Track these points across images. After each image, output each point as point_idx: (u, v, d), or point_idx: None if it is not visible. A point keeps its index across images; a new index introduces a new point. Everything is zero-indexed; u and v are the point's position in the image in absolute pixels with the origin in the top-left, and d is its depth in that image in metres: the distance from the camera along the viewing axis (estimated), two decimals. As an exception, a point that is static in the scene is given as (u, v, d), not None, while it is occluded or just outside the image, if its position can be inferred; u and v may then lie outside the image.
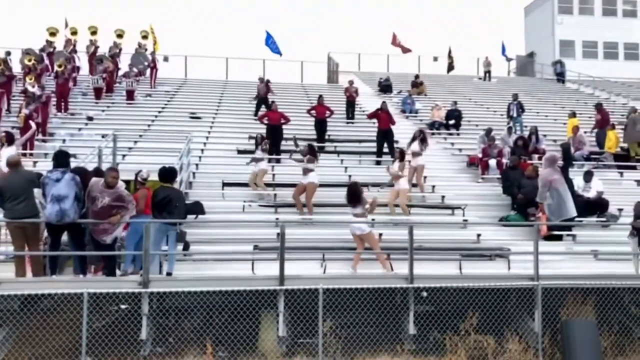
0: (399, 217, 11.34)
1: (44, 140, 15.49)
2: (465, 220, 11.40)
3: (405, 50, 29.80)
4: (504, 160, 14.04)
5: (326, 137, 16.38)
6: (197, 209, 10.58)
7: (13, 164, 7.93)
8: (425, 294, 7.97)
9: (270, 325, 8.30)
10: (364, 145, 16.22)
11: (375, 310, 8.25)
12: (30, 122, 14.13)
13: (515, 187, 12.16)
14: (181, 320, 8.56)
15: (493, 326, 8.20)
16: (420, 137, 13.23)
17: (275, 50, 26.34)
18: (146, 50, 24.06)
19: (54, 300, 7.86)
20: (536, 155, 15.20)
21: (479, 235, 10.66)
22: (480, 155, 14.67)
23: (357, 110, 19.10)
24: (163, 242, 8.20)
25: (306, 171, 11.50)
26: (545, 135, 16.99)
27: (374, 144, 15.47)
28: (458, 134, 18.46)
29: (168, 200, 7.94)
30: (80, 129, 16.76)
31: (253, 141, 13.93)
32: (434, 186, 13.19)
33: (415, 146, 12.99)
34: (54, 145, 15.18)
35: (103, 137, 14.20)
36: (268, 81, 20.30)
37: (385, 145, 15.10)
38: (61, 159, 7.76)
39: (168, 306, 8.32)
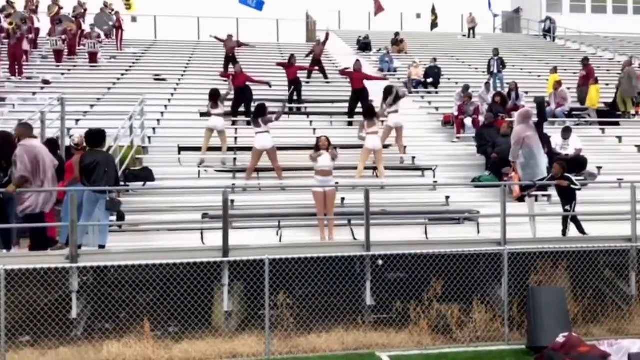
0: (365, 180, 10.63)
1: (-7, 106, 14.55)
2: (435, 182, 10.73)
3: (378, 10, 28.41)
4: (481, 119, 13.30)
5: (301, 97, 15.54)
6: (146, 175, 9.83)
7: None
8: (381, 262, 7.34)
9: (221, 299, 7.68)
10: (335, 106, 15.39)
11: (332, 281, 7.63)
12: None
13: (489, 146, 11.48)
14: (132, 295, 7.91)
15: (459, 294, 7.64)
16: (395, 94, 12.50)
17: (256, 4, 24.84)
18: (112, 11, 22.82)
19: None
20: (515, 113, 14.49)
21: (447, 197, 10.01)
22: (456, 114, 13.91)
23: (330, 68, 18.16)
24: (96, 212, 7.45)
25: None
26: (527, 92, 16.22)
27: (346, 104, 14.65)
28: (437, 93, 17.66)
29: (95, 164, 7.16)
30: (34, 94, 15.75)
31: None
32: (405, 147, 12.46)
33: (392, 104, 12.20)
34: (2, 111, 14.28)
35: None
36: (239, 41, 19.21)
37: (360, 106, 14.31)
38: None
39: (117, 280, 7.66)
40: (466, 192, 10.68)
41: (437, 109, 15.71)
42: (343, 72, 15.11)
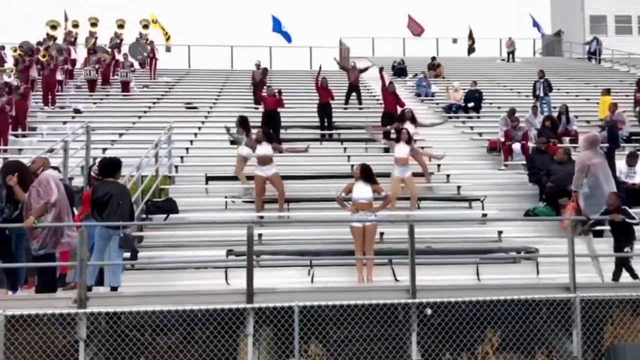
0: (401, 212, 9.70)
1: (23, 135, 14.33)
2: (485, 215, 9.70)
3: (418, 32, 27.73)
4: (530, 144, 12.26)
5: (332, 123, 14.81)
6: (169, 207, 9.16)
7: None
8: (429, 311, 6.34)
9: (246, 349, 6.80)
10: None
11: (371, 329, 6.67)
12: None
13: (543, 174, 10.39)
14: (152, 338, 7.13)
15: (518, 346, 6.56)
16: (411, 117, 11.81)
17: (286, 35, 24.69)
18: (147, 40, 22.82)
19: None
20: (567, 138, 13.40)
21: (500, 232, 8.96)
22: (502, 139, 12.88)
23: (365, 95, 17.44)
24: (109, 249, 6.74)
25: (267, 160, 9.95)
26: (576, 116, 15.08)
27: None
28: (478, 117, 16.66)
29: (108, 197, 6.48)
30: (65, 123, 15.51)
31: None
32: (448, 175, 11.50)
33: (411, 129, 11.38)
34: (31, 140, 14.05)
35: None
36: (265, 69, 18.75)
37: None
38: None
39: (132, 323, 6.90)
40: (520, 226, 9.59)
41: (480, 134, 14.72)
42: (382, 77, 14.53)
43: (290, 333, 6.27)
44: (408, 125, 11.63)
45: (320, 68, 15.63)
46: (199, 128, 15.19)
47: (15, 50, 18.42)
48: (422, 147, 12.20)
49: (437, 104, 17.85)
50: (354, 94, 16.89)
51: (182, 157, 12.66)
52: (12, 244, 6.62)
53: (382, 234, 8.56)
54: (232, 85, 20.69)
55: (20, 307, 6.00)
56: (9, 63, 18.56)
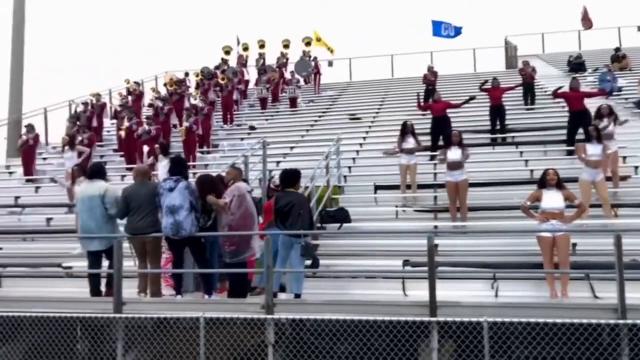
0: (594, 220, 8.63)
1: (208, 152, 15.78)
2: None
3: (587, 26, 24.98)
4: None
5: (505, 126, 13.93)
6: (342, 216, 9.27)
7: (141, 174, 7.42)
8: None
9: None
10: (549, 133, 13.38)
11: (566, 351, 5.95)
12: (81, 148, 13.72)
13: None
14: (331, 343, 7.25)
15: None
16: (611, 115, 10.57)
17: (454, 32, 23.67)
18: (310, 57, 23.86)
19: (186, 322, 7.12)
20: None
21: None
22: None
23: (538, 94, 16.13)
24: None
25: (457, 165, 9.45)
26: None
27: (564, 131, 12.61)
28: (679, 112, 14.41)
29: (290, 206, 6.70)
30: (242, 139, 16.78)
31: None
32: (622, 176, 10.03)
33: (610, 127, 10.11)
34: (215, 156, 15.38)
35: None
36: (436, 72, 18.30)
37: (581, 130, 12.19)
38: (175, 166, 7.02)
39: (312, 328, 7.09)
40: None
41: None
42: (557, 95, 13.12)
43: (477, 348, 5.85)
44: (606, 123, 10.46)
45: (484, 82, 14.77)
46: (364, 138, 15.34)
47: (197, 75, 20.44)
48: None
49: (627, 99, 15.82)
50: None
51: (349, 168, 12.85)
52: (207, 251, 7.20)
53: (574, 245, 7.68)
54: (394, 93, 20.63)
55: (216, 310, 6.46)
56: (192, 88, 20.66)
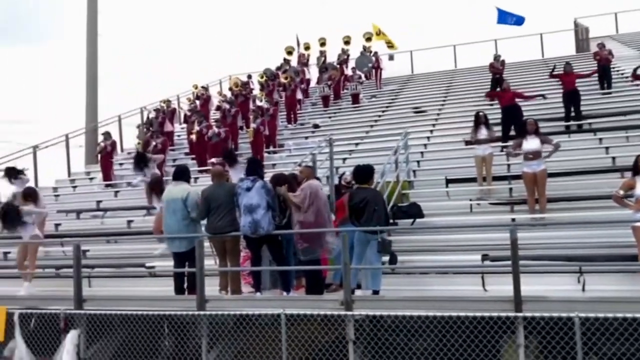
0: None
1: (274, 152, 16.01)
2: None
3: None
4: None
5: (580, 112, 13.29)
6: (415, 211, 9.15)
7: (217, 175, 7.64)
8: None
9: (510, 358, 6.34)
10: (630, 118, 12.64)
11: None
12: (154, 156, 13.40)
13: None
14: (406, 344, 7.18)
15: None
16: None
17: (517, 21, 22.87)
18: (371, 52, 23.71)
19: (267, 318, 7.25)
20: None
21: None
22: None
23: (615, 77, 15.27)
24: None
25: (535, 155, 9.06)
26: None
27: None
28: None
29: (365, 203, 6.67)
30: (307, 138, 16.91)
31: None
32: None
33: None
34: (281, 156, 15.58)
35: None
36: (504, 61, 17.71)
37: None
38: (251, 166, 7.16)
39: (390, 326, 7.04)
40: None
41: None
42: (637, 76, 12.38)
43: (568, 345, 5.60)
44: None
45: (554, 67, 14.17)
46: (431, 131, 15.07)
47: (261, 77, 20.79)
48: None
49: None
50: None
51: (418, 162, 12.66)
52: (284, 249, 7.30)
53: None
54: (458, 85, 20.15)
55: (295, 306, 6.53)
56: (256, 89, 21.03)
